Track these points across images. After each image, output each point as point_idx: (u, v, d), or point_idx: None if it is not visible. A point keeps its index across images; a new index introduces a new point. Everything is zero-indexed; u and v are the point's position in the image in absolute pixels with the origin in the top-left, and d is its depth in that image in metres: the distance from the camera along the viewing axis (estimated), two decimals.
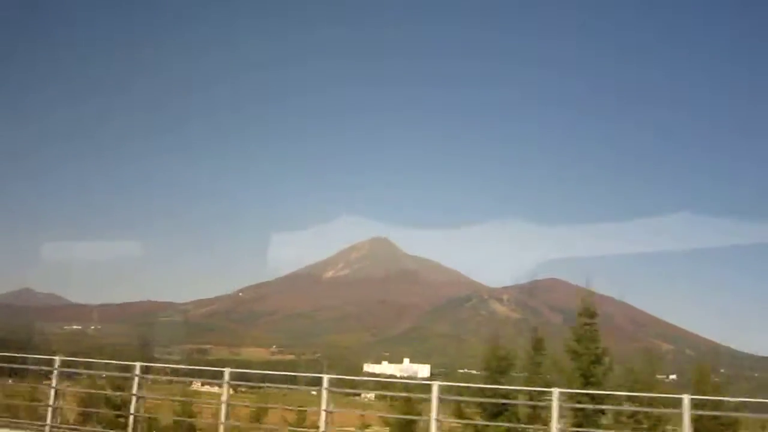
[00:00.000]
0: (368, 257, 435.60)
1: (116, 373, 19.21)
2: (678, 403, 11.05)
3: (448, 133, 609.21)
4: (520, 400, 15.71)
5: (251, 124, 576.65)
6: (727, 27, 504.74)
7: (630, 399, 14.54)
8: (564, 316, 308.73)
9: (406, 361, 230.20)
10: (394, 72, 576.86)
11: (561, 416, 11.68)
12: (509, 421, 15.04)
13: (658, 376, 16.66)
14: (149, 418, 16.71)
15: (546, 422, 12.34)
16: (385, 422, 18.69)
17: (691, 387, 16.25)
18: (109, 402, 19.06)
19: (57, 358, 16.66)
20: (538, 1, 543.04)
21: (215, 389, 29.35)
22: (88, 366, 20.13)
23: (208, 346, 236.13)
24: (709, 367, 17.23)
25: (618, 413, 14.37)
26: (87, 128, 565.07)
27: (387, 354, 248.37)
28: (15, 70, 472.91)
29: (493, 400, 15.22)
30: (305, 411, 20.46)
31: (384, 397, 34.53)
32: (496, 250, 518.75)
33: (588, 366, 15.09)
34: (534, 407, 14.93)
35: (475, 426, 15.64)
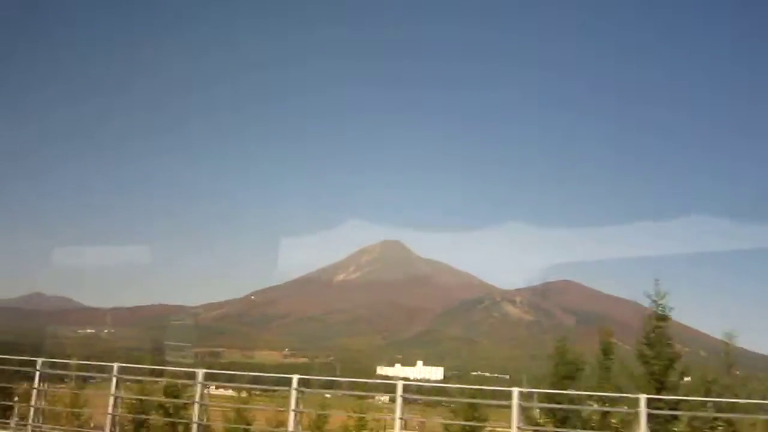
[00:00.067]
0: (378, 260, 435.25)
1: (177, 380, 18.66)
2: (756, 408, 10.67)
3: (452, 135, 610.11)
4: (591, 407, 15.26)
5: (253, 125, 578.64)
6: (727, 27, 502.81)
7: (703, 404, 14.05)
8: (577, 318, 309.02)
9: (419, 363, 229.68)
10: (396, 72, 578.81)
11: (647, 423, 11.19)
12: (583, 428, 14.64)
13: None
14: (208, 426, 16.01)
15: (618, 429, 11.90)
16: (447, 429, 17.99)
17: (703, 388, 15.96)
18: (161, 409, 18.55)
19: (116, 365, 16.02)
20: (538, 2, 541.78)
21: (228, 392, 28.97)
22: (128, 372, 19.48)
23: (220, 350, 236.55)
24: (723, 368, 16.81)
25: (692, 419, 13.93)
26: (88, 128, 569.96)
27: (400, 357, 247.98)
28: (15, 70, 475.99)
29: (566, 407, 14.65)
30: (377, 418, 19.81)
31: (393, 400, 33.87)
32: (506, 252, 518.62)
33: (661, 371, 14.71)
34: (605, 414, 14.51)
35: None
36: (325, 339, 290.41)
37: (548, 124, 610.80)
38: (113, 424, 15.57)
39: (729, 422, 13.69)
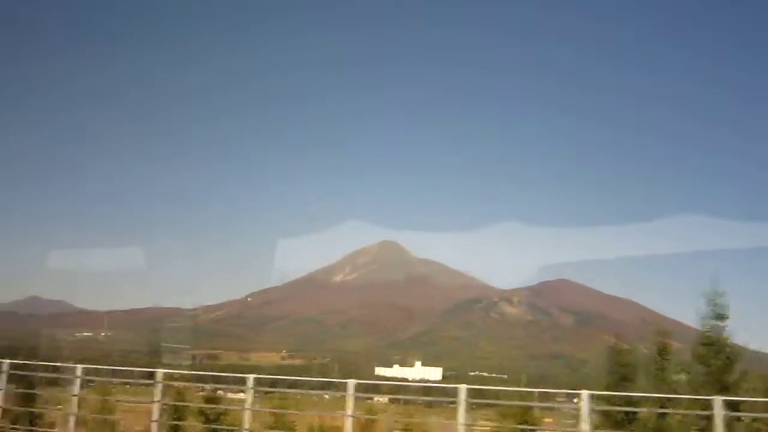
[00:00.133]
0: (376, 261, 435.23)
1: (226, 386, 18.15)
2: None
3: (449, 136, 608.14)
4: (646, 408, 14.77)
5: (253, 129, 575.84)
6: (727, 27, 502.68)
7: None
8: (576, 318, 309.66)
9: (418, 364, 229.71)
10: (394, 75, 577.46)
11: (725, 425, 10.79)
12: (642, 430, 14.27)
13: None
14: None
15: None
16: None
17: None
18: (201, 415, 18.08)
19: (161, 371, 15.63)
20: (538, 3, 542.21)
21: (239, 395, 28.54)
22: (170, 378, 18.76)
23: (217, 352, 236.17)
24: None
25: (753, 420, 13.49)
26: (84, 133, 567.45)
27: (398, 357, 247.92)
28: (12, 74, 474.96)
29: (622, 408, 14.27)
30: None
31: (397, 401, 33.87)
32: (503, 252, 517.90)
33: (720, 370, 14.31)
34: (663, 415, 14.11)
35: None
36: (322, 340, 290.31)
37: (545, 125, 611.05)
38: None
39: None
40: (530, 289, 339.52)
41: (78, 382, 16.22)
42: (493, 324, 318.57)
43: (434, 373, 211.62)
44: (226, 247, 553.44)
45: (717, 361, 14.31)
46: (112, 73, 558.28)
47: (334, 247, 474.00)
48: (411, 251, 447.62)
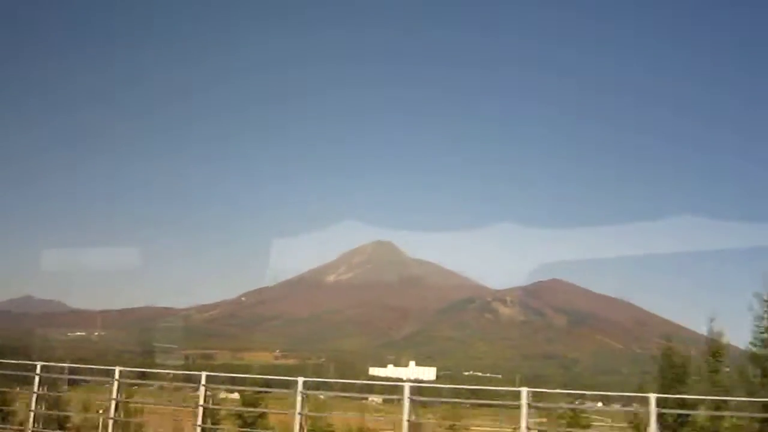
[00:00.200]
0: (370, 261, 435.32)
1: (275, 389, 17.72)
2: None
3: (445, 136, 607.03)
4: (699, 411, 14.44)
5: (250, 128, 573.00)
6: (727, 27, 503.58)
7: None
8: (569, 318, 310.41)
9: (412, 364, 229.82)
10: (392, 75, 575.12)
11: None
12: None
13: None
14: None
15: None
16: None
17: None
18: (239, 418, 17.75)
19: (203, 374, 15.27)
20: (538, 3, 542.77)
21: (234, 395, 27.69)
22: (215, 381, 18.05)
23: (211, 351, 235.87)
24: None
25: None
26: (79, 133, 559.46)
27: (392, 357, 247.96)
28: (9, 74, 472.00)
29: (674, 411, 13.84)
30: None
31: (391, 401, 33.78)
32: (497, 252, 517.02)
33: None
34: (714, 418, 13.76)
35: None
36: (316, 340, 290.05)
37: (545, 124, 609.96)
38: None
39: None
40: (524, 289, 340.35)
41: (116, 385, 16.01)
42: (486, 324, 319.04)
43: (428, 373, 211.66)
44: (223, 247, 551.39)
45: None
46: (112, 72, 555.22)
47: (330, 247, 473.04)
48: (405, 251, 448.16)
